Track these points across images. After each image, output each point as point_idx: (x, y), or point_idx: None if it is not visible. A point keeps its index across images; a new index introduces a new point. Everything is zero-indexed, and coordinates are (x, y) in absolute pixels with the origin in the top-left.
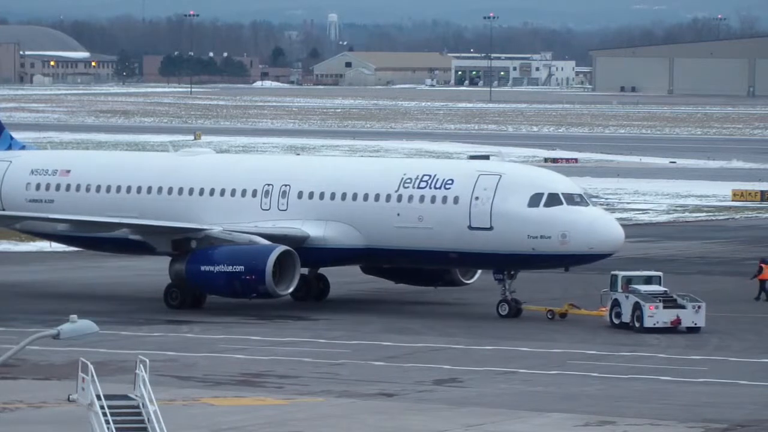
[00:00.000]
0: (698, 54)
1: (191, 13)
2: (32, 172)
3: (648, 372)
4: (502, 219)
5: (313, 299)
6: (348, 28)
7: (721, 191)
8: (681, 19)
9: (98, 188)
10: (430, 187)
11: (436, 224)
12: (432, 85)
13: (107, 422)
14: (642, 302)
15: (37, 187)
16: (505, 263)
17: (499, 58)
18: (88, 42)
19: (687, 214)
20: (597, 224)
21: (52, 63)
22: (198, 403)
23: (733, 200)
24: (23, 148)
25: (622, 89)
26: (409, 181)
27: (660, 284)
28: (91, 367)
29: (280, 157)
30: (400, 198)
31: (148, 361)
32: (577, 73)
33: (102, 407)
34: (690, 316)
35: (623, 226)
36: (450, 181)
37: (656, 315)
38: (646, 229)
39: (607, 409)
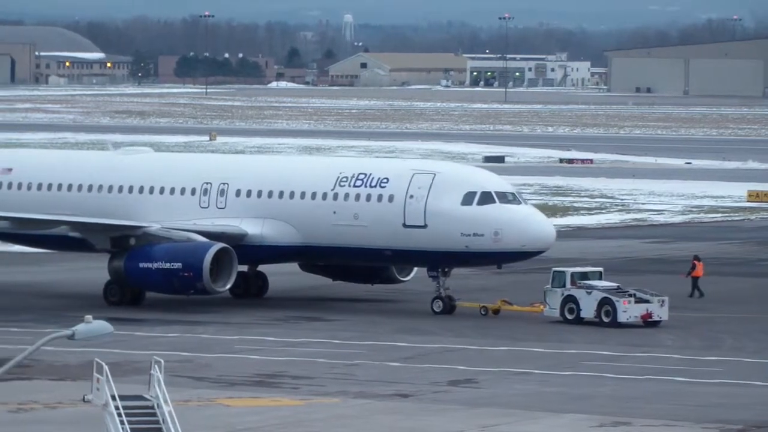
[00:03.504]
0: (713, 55)
1: (206, 13)
2: None
3: (662, 373)
4: (436, 217)
5: (252, 296)
6: (363, 28)
7: (736, 192)
8: (696, 19)
9: (39, 186)
10: (366, 186)
11: (371, 222)
12: (447, 86)
13: (122, 423)
14: (613, 298)
15: None
16: (439, 261)
17: (514, 59)
18: (104, 43)
19: (702, 214)
20: (528, 222)
21: (67, 64)
22: (213, 404)
23: (748, 201)
24: None
25: (638, 90)
26: (345, 179)
27: (601, 279)
28: (105, 367)
29: (219, 156)
30: (336, 196)
31: (163, 361)
32: (593, 74)
33: (117, 408)
34: (656, 311)
35: (639, 226)
36: (385, 180)
37: (629, 310)
38: (662, 229)
39: (621, 410)
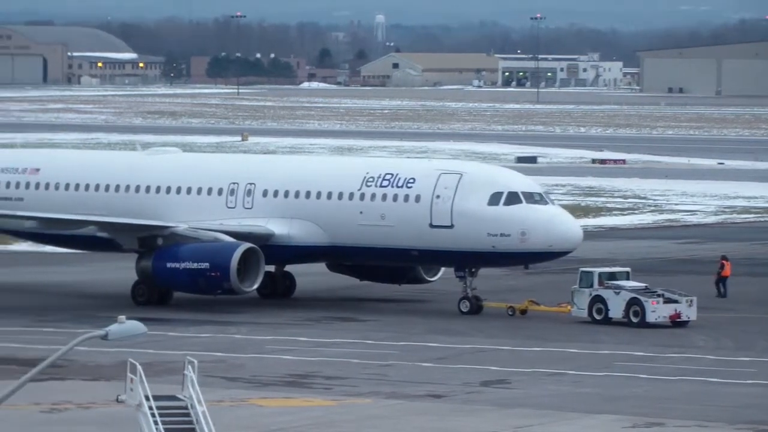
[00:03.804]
0: (745, 55)
1: (238, 14)
2: (2, 170)
3: (696, 373)
4: (462, 217)
5: (279, 297)
6: (394, 29)
7: None
8: (727, 19)
9: (67, 186)
10: (393, 186)
11: (398, 222)
12: (479, 86)
13: (156, 423)
14: (642, 298)
15: (7, 185)
16: (466, 261)
17: (546, 59)
18: (136, 43)
19: (735, 215)
20: (555, 222)
21: (99, 64)
22: (246, 404)
23: None
24: None
25: (670, 90)
26: (371, 179)
27: (628, 279)
28: (139, 367)
29: (246, 156)
30: (362, 196)
31: (196, 361)
32: (625, 74)
33: (150, 408)
34: (685, 311)
35: (671, 227)
36: (412, 180)
37: (658, 310)
38: (694, 230)
39: (654, 411)
